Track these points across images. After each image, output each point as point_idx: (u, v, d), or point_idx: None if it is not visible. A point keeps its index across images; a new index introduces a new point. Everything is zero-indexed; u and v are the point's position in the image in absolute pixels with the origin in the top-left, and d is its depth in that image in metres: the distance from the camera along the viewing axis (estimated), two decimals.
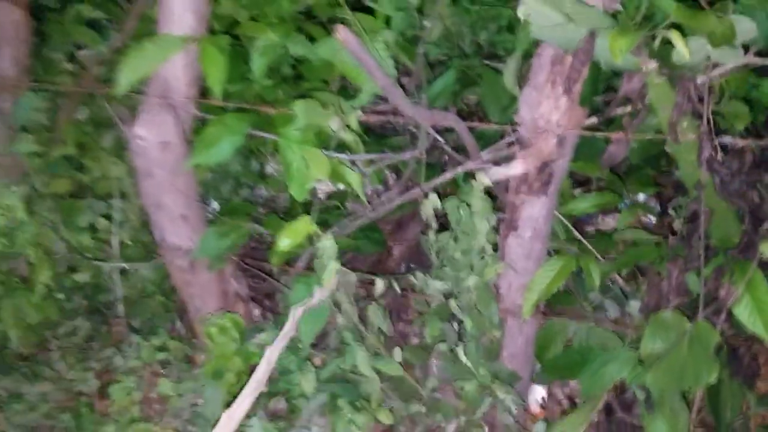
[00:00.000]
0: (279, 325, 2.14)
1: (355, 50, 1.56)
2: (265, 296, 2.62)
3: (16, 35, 2.06)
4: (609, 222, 2.57)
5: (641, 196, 2.43)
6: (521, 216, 1.81)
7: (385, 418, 1.94)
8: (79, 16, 2.06)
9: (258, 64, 1.95)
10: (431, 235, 1.89)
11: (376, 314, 1.94)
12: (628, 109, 1.72)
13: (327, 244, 1.81)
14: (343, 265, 1.86)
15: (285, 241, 1.87)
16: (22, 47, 2.08)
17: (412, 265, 2.75)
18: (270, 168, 2.99)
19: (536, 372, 2.21)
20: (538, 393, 2.35)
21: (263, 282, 2.46)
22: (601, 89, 1.86)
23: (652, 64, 1.49)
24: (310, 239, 1.96)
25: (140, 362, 2.20)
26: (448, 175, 1.98)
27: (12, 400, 2.15)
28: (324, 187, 3.03)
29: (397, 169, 2.53)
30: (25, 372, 2.21)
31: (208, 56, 1.84)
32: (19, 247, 2.05)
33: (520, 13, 1.46)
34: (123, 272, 2.27)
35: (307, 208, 2.52)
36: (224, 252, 2.23)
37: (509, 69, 1.65)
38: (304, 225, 1.86)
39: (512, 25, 2.21)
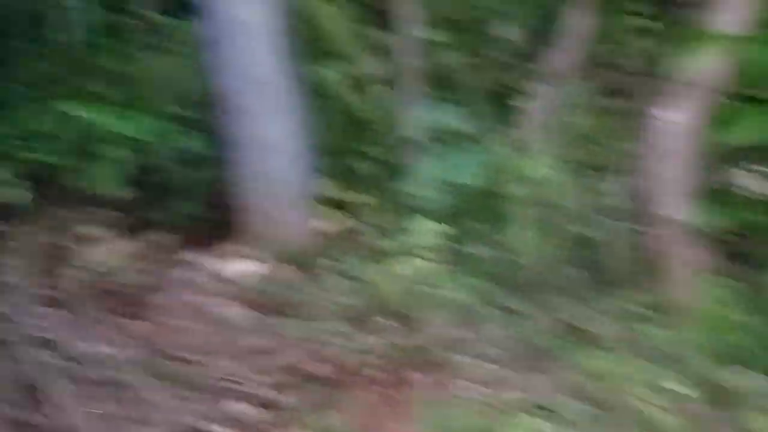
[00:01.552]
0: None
1: None
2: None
3: (579, 36, 2.66)
4: None
5: None
6: None
7: None
8: (626, 24, 2.60)
9: None
10: None
11: None
12: None
13: None
14: None
15: None
16: (578, 46, 2.69)
17: None
18: None
19: None
20: None
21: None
22: None
23: None
24: None
25: (618, 306, 2.63)
26: None
27: (514, 316, 2.73)
28: None
29: None
30: (524, 297, 2.80)
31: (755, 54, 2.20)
32: (545, 195, 2.65)
33: None
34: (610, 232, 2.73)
35: None
36: (713, 227, 2.55)
37: None
38: None
39: None
